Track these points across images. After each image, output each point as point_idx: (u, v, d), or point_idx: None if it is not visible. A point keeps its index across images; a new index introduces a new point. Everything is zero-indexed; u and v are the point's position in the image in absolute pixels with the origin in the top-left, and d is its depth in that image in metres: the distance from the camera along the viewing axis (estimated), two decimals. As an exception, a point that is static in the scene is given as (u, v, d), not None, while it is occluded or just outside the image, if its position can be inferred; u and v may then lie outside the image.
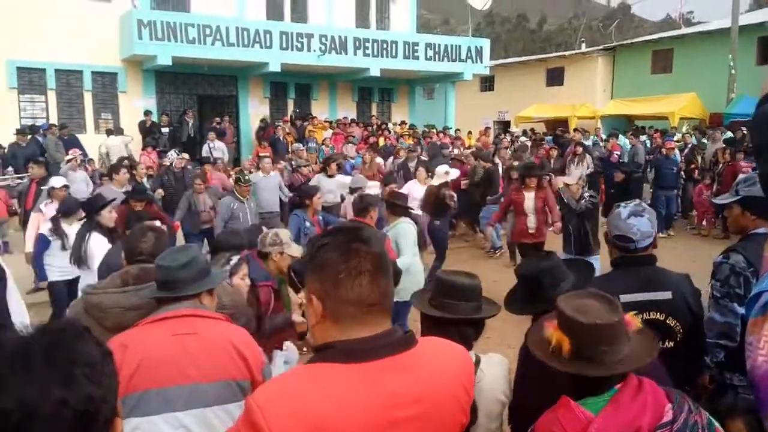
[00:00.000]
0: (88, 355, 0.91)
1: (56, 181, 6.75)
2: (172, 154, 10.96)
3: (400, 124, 17.61)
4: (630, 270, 2.46)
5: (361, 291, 1.22)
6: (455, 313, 2.06)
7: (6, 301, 3.84)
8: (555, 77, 25.29)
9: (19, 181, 10.11)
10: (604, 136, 15.57)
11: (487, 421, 1.95)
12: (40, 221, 6.09)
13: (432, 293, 2.16)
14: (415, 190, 8.08)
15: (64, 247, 5.42)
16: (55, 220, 5.59)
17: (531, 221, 7.11)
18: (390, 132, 16.03)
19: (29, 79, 14.48)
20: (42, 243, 5.56)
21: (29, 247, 6.12)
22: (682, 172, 11.85)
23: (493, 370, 2.02)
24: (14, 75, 14.15)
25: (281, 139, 14.35)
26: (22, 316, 4.04)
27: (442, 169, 8.17)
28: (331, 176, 9.11)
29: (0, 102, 13.91)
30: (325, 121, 16.50)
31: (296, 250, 3.89)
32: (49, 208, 6.26)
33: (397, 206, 5.31)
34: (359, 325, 1.23)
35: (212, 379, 1.99)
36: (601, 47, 25.54)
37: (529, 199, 7.09)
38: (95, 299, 2.37)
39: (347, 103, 18.76)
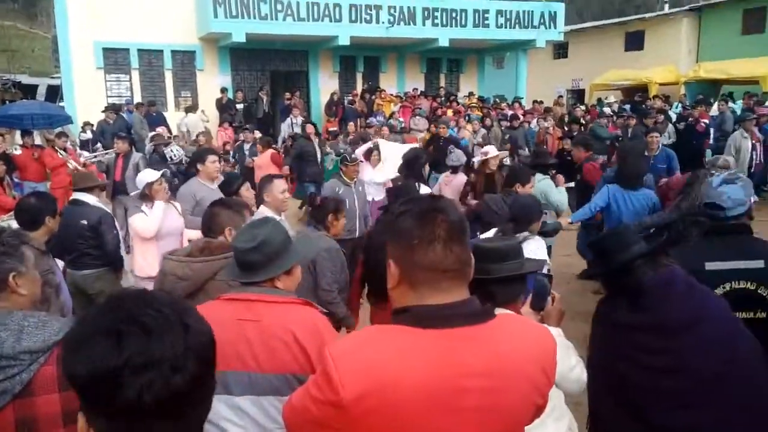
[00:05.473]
0: (191, 307, 1.00)
1: (149, 175, 4.58)
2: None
3: (468, 96, 17.31)
4: (719, 238, 2.40)
5: (434, 257, 1.25)
6: (478, 274, 2.19)
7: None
8: (635, 41, 23.91)
9: (107, 155, 10.07)
10: (688, 102, 14.69)
11: None
12: (140, 232, 4.41)
13: None
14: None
15: None
16: None
17: None
18: (459, 104, 15.80)
19: (114, 60, 15.22)
20: None
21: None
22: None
23: None
24: (100, 55, 14.89)
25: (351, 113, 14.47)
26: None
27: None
28: None
29: (89, 82, 14.74)
30: (393, 95, 16.45)
31: None
32: (156, 216, 4.41)
33: None
34: (434, 291, 1.26)
35: (268, 371, 1.94)
36: (686, 7, 23.88)
37: None
38: (164, 263, 2.52)
39: (415, 75, 18.58)
